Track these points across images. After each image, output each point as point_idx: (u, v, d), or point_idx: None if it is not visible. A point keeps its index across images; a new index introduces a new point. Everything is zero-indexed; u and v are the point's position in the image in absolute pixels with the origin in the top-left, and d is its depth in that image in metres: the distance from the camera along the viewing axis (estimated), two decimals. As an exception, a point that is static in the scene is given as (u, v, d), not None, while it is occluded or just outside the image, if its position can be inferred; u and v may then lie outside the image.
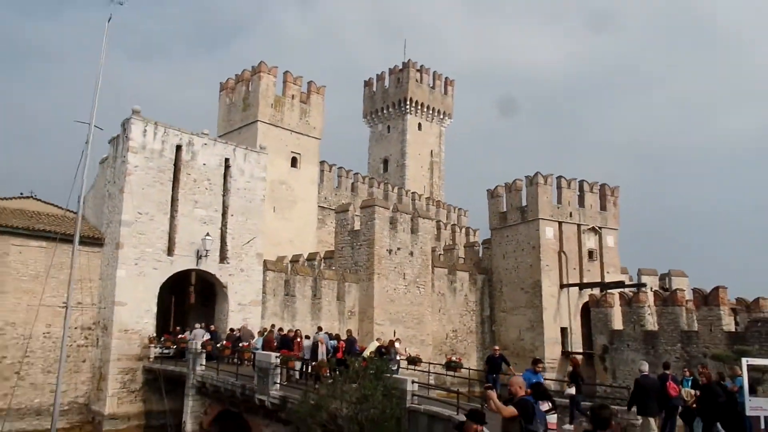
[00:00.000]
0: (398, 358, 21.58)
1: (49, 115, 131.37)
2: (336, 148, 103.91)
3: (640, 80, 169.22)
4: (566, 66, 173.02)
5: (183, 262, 26.16)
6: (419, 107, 65.28)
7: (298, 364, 20.44)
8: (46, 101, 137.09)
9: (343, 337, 21.63)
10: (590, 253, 40.03)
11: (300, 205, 42.75)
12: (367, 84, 69.96)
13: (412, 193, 56.72)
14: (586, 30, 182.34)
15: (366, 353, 18.89)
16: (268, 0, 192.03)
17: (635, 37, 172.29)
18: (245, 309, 27.71)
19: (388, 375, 15.47)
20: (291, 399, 16.81)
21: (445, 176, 67.56)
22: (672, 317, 30.15)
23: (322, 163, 47.40)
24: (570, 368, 16.78)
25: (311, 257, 36.96)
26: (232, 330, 24.98)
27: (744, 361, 15.88)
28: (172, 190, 26.21)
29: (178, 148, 26.60)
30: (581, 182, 40.75)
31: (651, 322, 31.68)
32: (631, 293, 34.18)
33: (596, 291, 37.24)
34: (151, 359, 24.34)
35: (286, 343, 21.06)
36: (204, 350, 22.05)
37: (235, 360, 21.71)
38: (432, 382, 22.19)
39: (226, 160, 28.07)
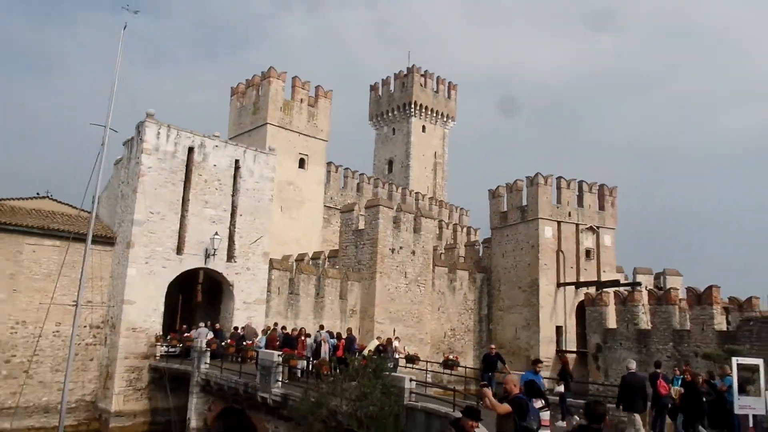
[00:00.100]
0: (397, 356, 21.50)
1: (63, 118, 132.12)
2: (342, 150, 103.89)
3: (640, 81, 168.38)
4: (566, 68, 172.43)
5: (192, 260, 26.16)
6: (423, 110, 65.19)
7: (301, 363, 20.37)
8: (61, 105, 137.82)
9: (344, 335, 21.56)
10: (587, 252, 39.76)
11: (307, 204, 42.70)
12: (373, 88, 70.05)
13: (416, 193, 56.62)
14: (586, 32, 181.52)
15: (366, 352, 18.84)
16: (274, 8, 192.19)
17: (635, 37, 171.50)
18: (250, 307, 27.66)
19: (387, 373, 15.43)
20: (292, 396, 16.74)
21: (448, 177, 67.40)
22: (665, 316, 29.85)
23: (328, 164, 47.35)
24: (559, 366, 16.71)
25: (316, 256, 36.87)
26: (236, 328, 24.93)
27: (734, 360, 15.73)
28: (184, 191, 26.27)
29: (190, 149, 26.64)
30: (580, 182, 40.50)
31: (644, 321, 31.38)
32: (626, 292, 33.87)
33: (592, 290, 36.98)
34: (157, 358, 24.30)
35: (288, 341, 20.99)
36: (209, 349, 21.98)
37: (239, 358, 21.64)
38: (429, 380, 22.05)
39: (236, 161, 28.08)
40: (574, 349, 36.75)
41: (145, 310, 24.53)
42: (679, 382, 15.44)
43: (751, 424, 13.95)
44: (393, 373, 16.07)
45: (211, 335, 22.94)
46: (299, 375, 19.82)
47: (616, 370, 30.60)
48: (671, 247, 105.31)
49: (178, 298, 26.98)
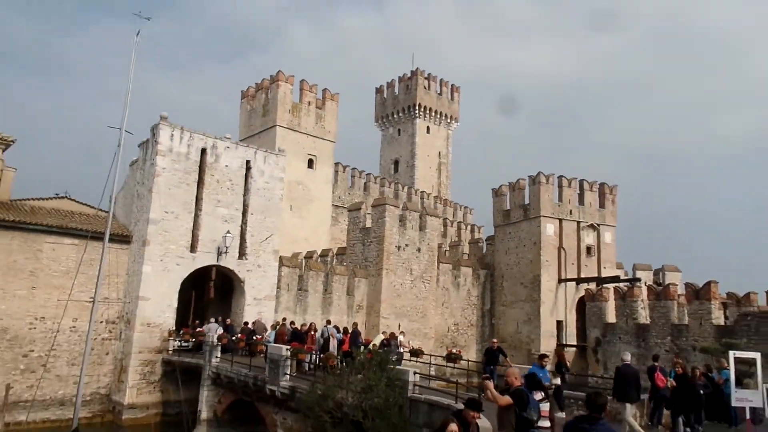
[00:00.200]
0: (402, 350, 21.43)
1: (77, 121, 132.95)
2: (350, 151, 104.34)
3: (640, 81, 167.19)
4: (567, 69, 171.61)
5: (204, 258, 26.21)
6: (428, 112, 65.10)
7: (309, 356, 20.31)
8: (76, 108, 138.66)
9: (350, 330, 21.51)
10: (588, 249, 39.57)
11: (315, 203, 42.69)
12: (379, 91, 70.00)
13: (421, 192, 56.50)
14: (586, 32, 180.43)
15: (371, 346, 18.77)
16: (282, 16, 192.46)
17: (635, 38, 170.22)
18: (260, 303, 27.68)
19: (392, 366, 15.39)
20: (300, 389, 16.68)
21: (452, 176, 67.31)
22: (663, 311, 29.62)
23: (336, 164, 47.35)
24: (556, 360, 16.63)
25: (324, 253, 36.86)
26: (246, 323, 24.95)
27: (731, 354, 15.59)
28: (197, 190, 26.36)
29: (203, 151, 26.71)
30: (581, 181, 40.34)
31: (643, 316, 31.15)
32: (625, 287, 33.66)
33: (592, 285, 36.77)
34: (170, 352, 24.33)
35: (297, 336, 20.95)
36: (219, 343, 22.00)
37: (249, 352, 21.64)
38: (433, 373, 21.99)
39: (247, 162, 28.13)
40: (575, 343, 36.57)
41: (159, 306, 24.60)
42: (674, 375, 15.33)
43: (747, 416, 13.81)
44: (397, 367, 16.02)
45: (221, 330, 22.92)
46: (307, 368, 19.77)
47: (615, 364, 30.15)
48: (670, 245, 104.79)
49: (191, 294, 27.07)
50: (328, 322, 23.98)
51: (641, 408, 15.27)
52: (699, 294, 28.38)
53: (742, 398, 14.67)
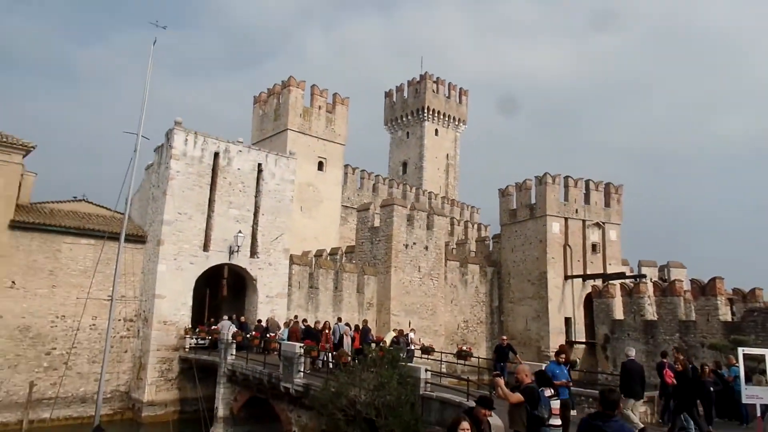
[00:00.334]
0: (412, 347, 21.20)
1: (94, 127, 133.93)
2: (359, 153, 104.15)
3: (641, 82, 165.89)
4: (568, 71, 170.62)
5: (217, 257, 26.17)
6: (436, 115, 64.84)
7: (323, 354, 20.09)
8: (93, 114, 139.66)
9: (360, 327, 21.30)
10: (594, 247, 39.18)
11: (325, 204, 42.59)
12: (388, 95, 69.81)
13: (429, 192, 56.26)
14: (587, 33, 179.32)
15: (382, 344, 18.56)
16: (294, 22, 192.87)
17: (636, 38, 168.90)
18: (273, 301, 27.59)
19: (403, 364, 15.19)
20: (313, 386, 16.49)
21: (459, 177, 66.94)
22: (671, 307, 29.19)
23: (346, 166, 47.24)
24: None
25: (334, 252, 36.74)
26: (260, 321, 24.82)
27: (740, 350, 15.22)
28: (210, 192, 26.37)
29: (216, 154, 26.71)
30: (587, 181, 40.03)
31: (650, 312, 30.71)
32: (631, 284, 33.23)
33: (599, 282, 36.36)
34: (186, 349, 24.25)
35: (310, 333, 20.76)
36: (234, 341, 21.86)
37: (263, 350, 21.49)
38: (444, 370, 21.72)
39: (259, 165, 28.10)
40: (583, 340, 36.15)
41: (174, 304, 24.56)
42: (688, 372, 14.93)
43: (758, 413, 13.44)
44: (409, 364, 15.80)
45: (233, 328, 22.79)
46: (320, 366, 19.59)
47: (623, 360, 29.99)
48: (671, 242, 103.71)
49: (205, 293, 27.02)
50: (339, 319, 23.83)
51: (651, 405, 14.94)
52: (705, 290, 27.93)
53: (752, 395, 14.30)
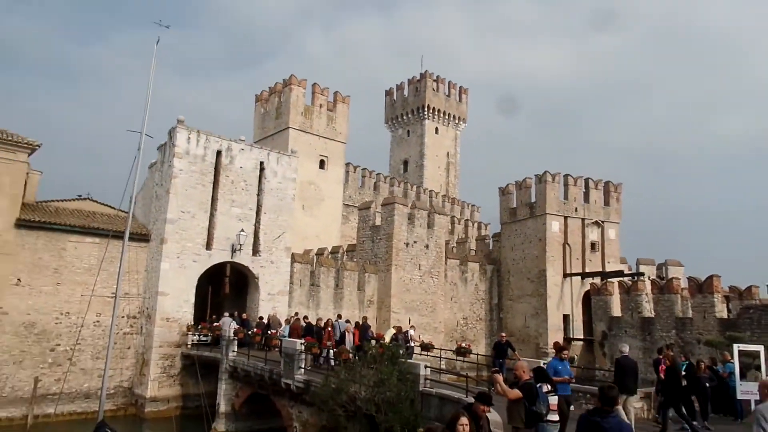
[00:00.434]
0: (412, 344, 21.28)
1: (97, 126, 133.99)
2: (360, 152, 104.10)
3: (641, 82, 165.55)
4: (568, 70, 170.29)
5: (220, 255, 26.27)
6: (436, 113, 64.77)
7: (324, 351, 20.17)
8: (96, 113, 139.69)
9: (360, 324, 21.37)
10: (592, 245, 39.19)
11: (326, 202, 42.65)
12: (388, 93, 69.71)
13: (430, 191, 56.25)
14: (587, 33, 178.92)
15: (382, 341, 18.63)
16: (295, 22, 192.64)
17: (636, 38, 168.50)
18: (274, 298, 27.70)
19: (403, 360, 15.26)
20: (314, 383, 16.57)
21: (460, 175, 66.87)
22: (668, 304, 29.24)
23: (347, 164, 47.24)
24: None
25: (335, 250, 36.80)
26: (261, 318, 24.93)
27: (735, 347, 15.30)
28: (212, 191, 26.44)
29: (218, 153, 26.76)
30: (587, 180, 39.97)
31: (648, 310, 30.77)
32: (629, 282, 33.28)
33: (597, 280, 36.41)
34: (188, 346, 24.35)
35: (310, 330, 20.85)
36: (236, 337, 21.96)
37: (264, 346, 21.58)
38: (443, 366, 21.78)
39: (261, 163, 28.14)
40: (581, 337, 36.23)
41: (177, 301, 24.66)
42: (683, 368, 15.02)
43: (753, 409, 13.51)
44: (408, 361, 15.89)
45: (234, 325, 22.89)
46: (321, 362, 19.70)
47: (620, 357, 30.04)
48: (672, 242, 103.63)
49: (207, 290, 27.12)
50: (339, 316, 23.92)
51: (648, 401, 15.02)
52: (702, 288, 27.99)
53: (747, 391, 14.42)
